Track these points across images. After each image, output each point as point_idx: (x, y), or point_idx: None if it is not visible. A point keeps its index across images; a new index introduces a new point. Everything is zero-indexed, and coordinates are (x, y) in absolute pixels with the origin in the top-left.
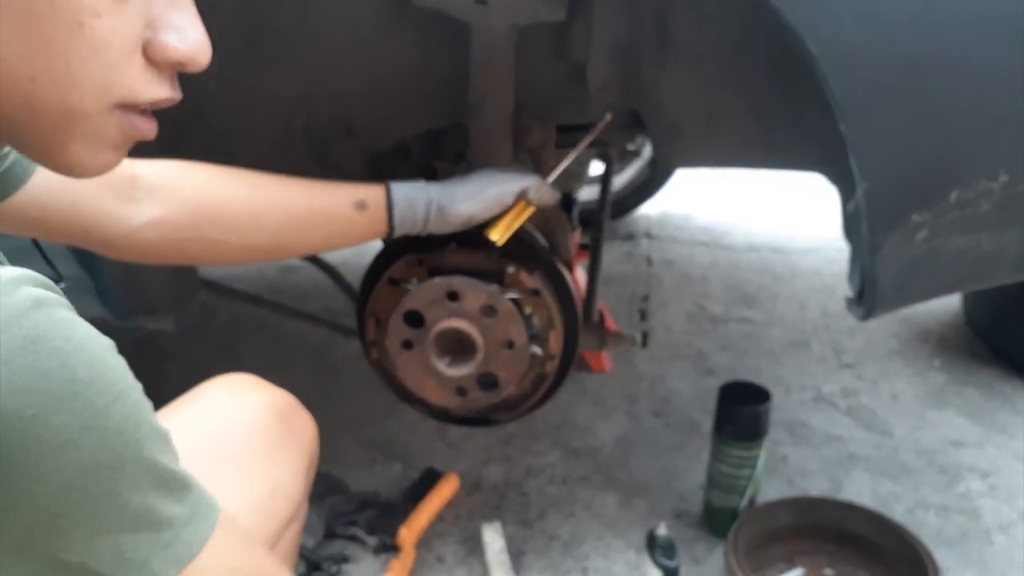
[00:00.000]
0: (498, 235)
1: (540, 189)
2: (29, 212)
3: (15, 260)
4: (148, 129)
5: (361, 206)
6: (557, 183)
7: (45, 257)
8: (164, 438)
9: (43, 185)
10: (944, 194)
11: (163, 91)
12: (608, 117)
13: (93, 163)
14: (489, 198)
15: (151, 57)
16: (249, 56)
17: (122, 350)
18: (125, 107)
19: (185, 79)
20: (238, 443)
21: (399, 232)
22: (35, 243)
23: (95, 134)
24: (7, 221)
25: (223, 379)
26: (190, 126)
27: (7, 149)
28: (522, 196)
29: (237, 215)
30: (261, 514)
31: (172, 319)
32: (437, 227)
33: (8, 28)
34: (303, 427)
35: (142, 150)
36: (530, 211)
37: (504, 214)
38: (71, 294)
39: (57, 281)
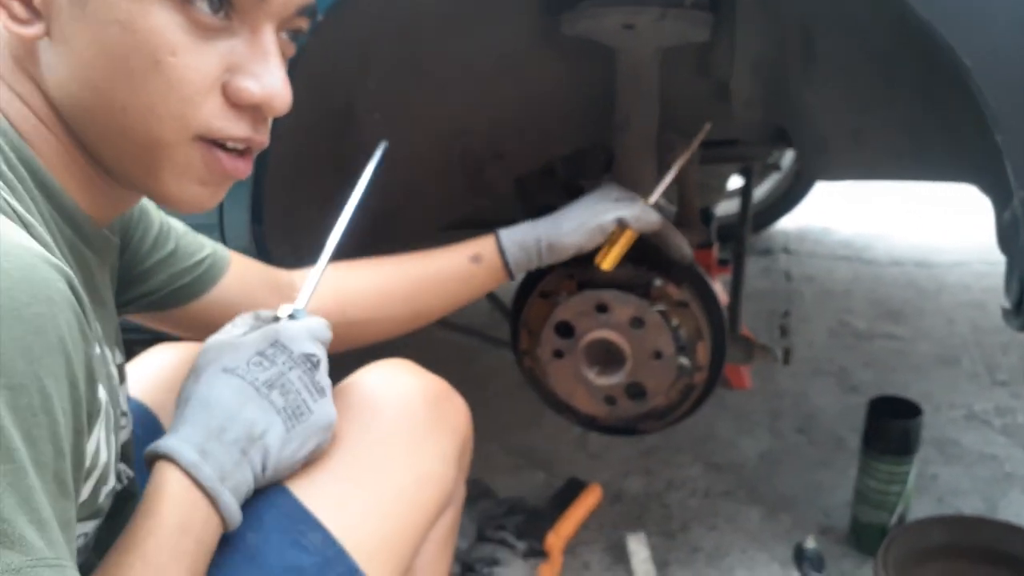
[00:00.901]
0: (608, 264)
1: (639, 215)
2: (213, 311)
3: None
4: (236, 168)
5: (476, 259)
6: (668, 198)
7: None
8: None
9: (228, 287)
10: None
11: (240, 130)
12: (707, 126)
13: (183, 195)
14: (591, 228)
15: (229, 97)
16: (411, 87)
17: None
18: (205, 141)
19: (353, 111)
20: (385, 431)
21: (517, 273)
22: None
23: (181, 166)
24: (190, 319)
25: (377, 364)
26: (354, 153)
27: (207, 252)
28: (623, 223)
29: (370, 295)
30: (407, 502)
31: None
32: (550, 260)
33: (104, 62)
34: (455, 412)
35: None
36: (635, 235)
37: (612, 241)
38: None
39: None
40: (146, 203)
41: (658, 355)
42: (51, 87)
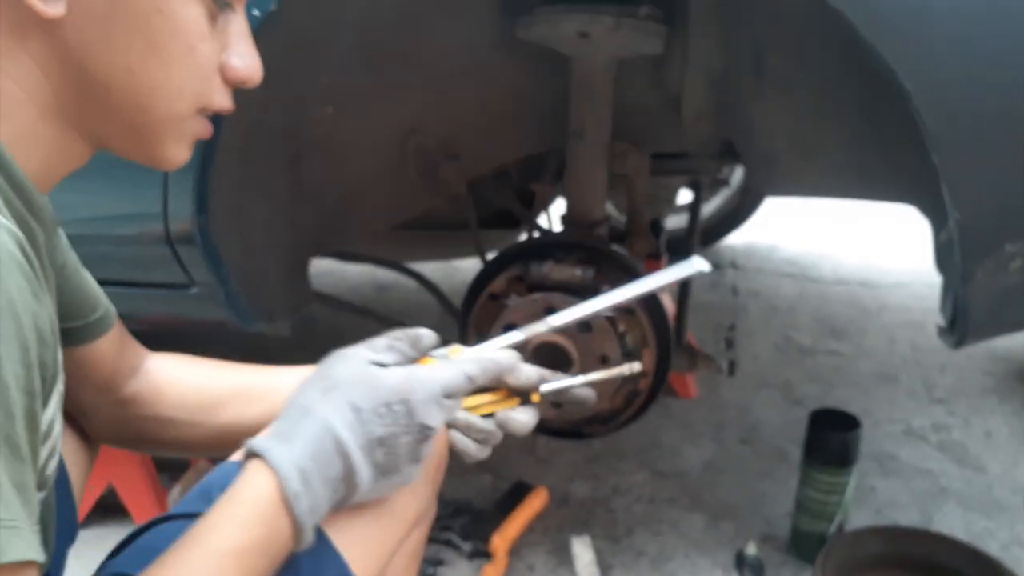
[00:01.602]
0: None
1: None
2: (85, 364)
3: (153, 265)
4: (209, 130)
5: None
6: (618, 208)
7: (180, 262)
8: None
9: (107, 344)
10: None
11: (228, 101)
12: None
13: (176, 158)
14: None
15: (223, 75)
16: (366, 84)
17: (233, 357)
18: (201, 112)
19: (306, 105)
20: None
21: None
22: (172, 247)
23: (183, 134)
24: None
25: None
26: (309, 149)
27: (103, 305)
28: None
29: (186, 393)
30: (388, 512)
31: (288, 325)
32: None
33: (142, 46)
34: None
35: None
36: None
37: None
38: (202, 299)
39: (189, 286)
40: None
41: (604, 360)
42: (60, 64)
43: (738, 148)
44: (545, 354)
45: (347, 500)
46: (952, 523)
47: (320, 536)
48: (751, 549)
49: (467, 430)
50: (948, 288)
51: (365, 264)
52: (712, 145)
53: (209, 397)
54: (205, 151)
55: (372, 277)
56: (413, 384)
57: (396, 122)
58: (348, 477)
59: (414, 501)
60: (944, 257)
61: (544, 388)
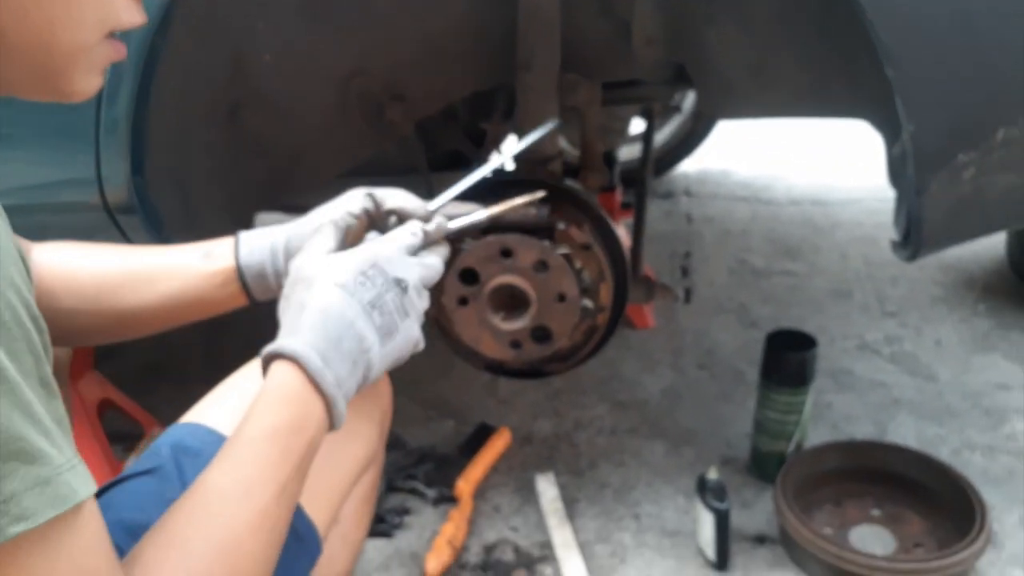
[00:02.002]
0: None
1: (393, 192)
2: None
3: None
4: (121, 52)
5: (207, 255)
6: (571, 142)
7: (117, 225)
8: (35, 375)
9: None
10: (990, 133)
11: (139, 16)
12: (539, 193)
13: (88, 88)
14: (339, 213)
15: None
16: (305, 27)
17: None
18: (110, 35)
19: (242, 54)
20: None
21: (252, 278)
22: (108, 212)
23: (92, 63)
24: None
25: None
26: (247, 99)
27: None
28: (375, 199)
29: (83, 281)
30: (338, 457)
31: None
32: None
33: None
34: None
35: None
36: None
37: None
38: None
39: None
40: None
41: (562, 298)
42: None
43: (690, 72)
44: (504, 295)
45: (368, 372)
46: (905, 432)
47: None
48: (712, 473)
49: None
50: (902, 201)
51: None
52: (664, 71)
53: (105, 282)
54: (137, 107)
55: None
56: (374, 250)
57: (338, 65)
58: (360, 345)
59: (361, 445)
60: (897, 170)
61: (452, 225)
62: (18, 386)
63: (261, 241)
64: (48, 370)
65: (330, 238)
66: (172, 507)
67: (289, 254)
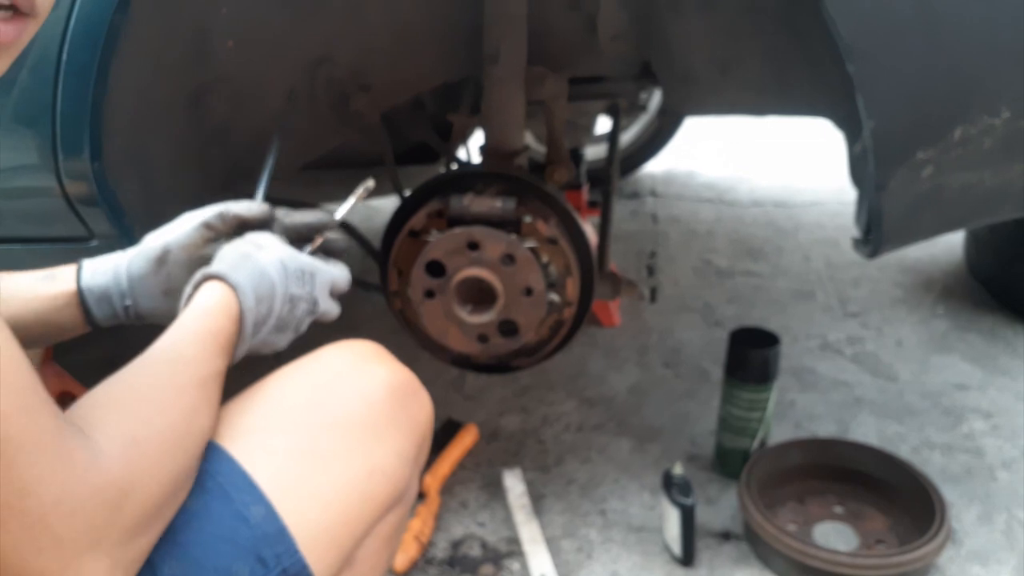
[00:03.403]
0: None
1: (249, 206)
2: None
3: (48, 218)
4: (10, 35)
5: (50, 277)
6: (537, 138)
7: (76, 214)
8: None
9: None
10: (948, 131)
11: None
12: (369, 182)
13: None
14: (192, 226)
15: None
16: (268, 12)
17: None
18: None
19: (206, 39)
20: (343, 417)
21: (94, 301)
22: (67, 199)
23: None
24: None
25: (348, 345)
26: (211, 86)
27: None
28: (225, 216)
29: None
30: (356, 494)
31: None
32: (144, 272)
33: None
34: (419, 408)
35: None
36: None
37: None
38: (103, 251)
39: (88, 239)
40: None
41: (529, 292)
42: None
43: (656, 68)
44: (471, 288)
45: (248, 340)
46: (867, 431)
47: (268, 510)
48: (677, 469)
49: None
50: (863, 199)
51: (276, 207)
52: (630, 67)
53: None
54: (96, 91)
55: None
56: (318, 267)
57: (303, 52)
58: (265, 317)
59: (385, 484)
60: (859, 168)
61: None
62: None
63: (104, 265)
64: None
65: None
66: (112, 376)
67: (131, 277)
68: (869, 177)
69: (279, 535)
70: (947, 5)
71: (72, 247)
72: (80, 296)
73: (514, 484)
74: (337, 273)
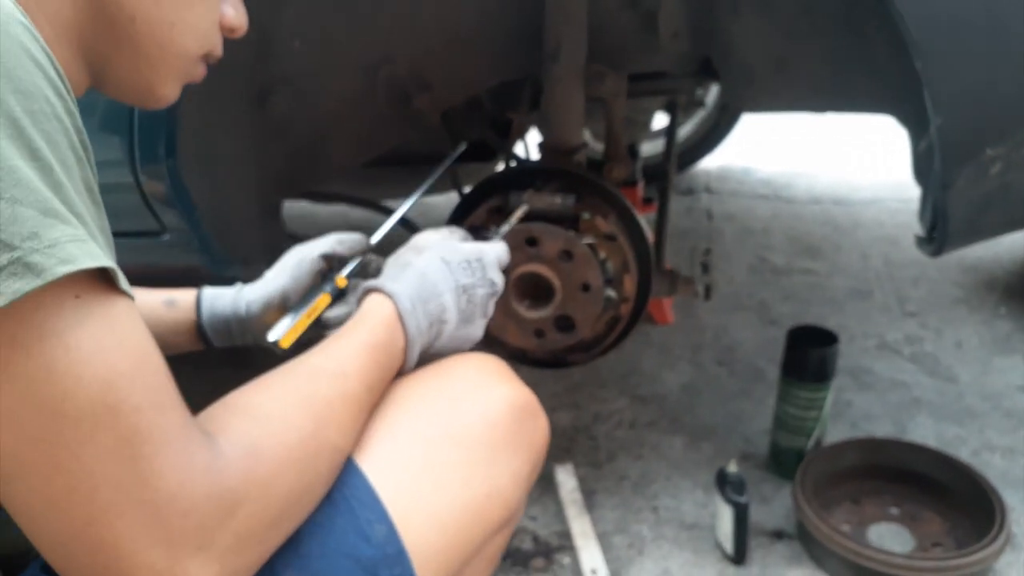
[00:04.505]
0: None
1: (353, 242)
2: None
3: (123, 213)
4: (203, 74)
5: (170, 303)
6: (595, 135)
7: (151, 209)
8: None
9: None
10: (1019, 127)
11: (222, 49)
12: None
13: (171, 96)
14: (293, 266)
15: (221, 22)
16: (331, 15)
17: None
18: (204, 57)
19: (271, 40)
20: (466, 435)
21: (213, 328)
22: (142, 195)
23: (184, 74)
24: None
25: (472, 360)
26: (277, 86)
27: None
28: (329, 258)
29: None
30: (472, 515)
31: (263, 268)
32: (257, 311)
33: None
34: (537, 430)
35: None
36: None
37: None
38: (174, 245)
39: (161, 232)
40: None
41: (586, 287)
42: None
43: (716, 65)
44: (527, 283)
45: (437, 339)
46: (925, 433)
47: (390, 530)
48: (732, 467)
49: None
50: (927, 197)
51: (338, 204)
52: (689, 63)
53: None
54: None
55: (344, 218)
56: (483, 249)
57: (365, 53)
58: (441, 314)
59: (499, 505)
60: (924, 166)
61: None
62: (50, 168)
63: (223, 300)
64: (95, 183)
65: (456, 235)
66: (255, 381)
67: (251, 317)
68: (935, 175)
69: (398, 557)
70: (1015, 2)
71: (143, 241)
72: (199, 327)
73: (566, 479)
74: (499, 248)
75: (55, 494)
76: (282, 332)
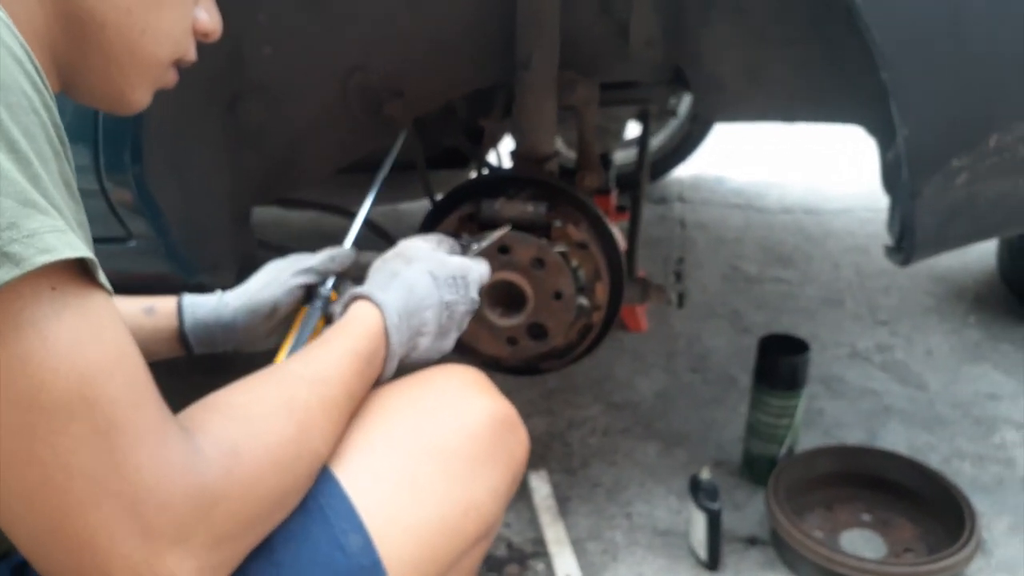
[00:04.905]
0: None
1: (336, 255)
2: None
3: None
4: (175, 80)
5: (150, 311)
6: (568, 143)
7: (116, 215)
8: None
9: None
10: (983, 138)
11: (195, 54)
12: (506, 229)
13: (142, 102)
14: (285, 280)
15: (194, 27)
16: (304, 21)
17: None
18: (175, 62)
19: (242, 46)
20: (445, 447)
21: (196, 336)
22: (107, 201)
23: (155, 80)
24: None
25: (452, 371)
26: (248, 92)
27: None
28: (316, 271)
29: None
30: (449, 528)
31: (233, 275)
32: (244, 321)
33: None
34: (517, 445)
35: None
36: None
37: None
38: (142, 252)
39: (127, 239)
40: None
41: (558, 295)
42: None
43: (687, 74)
44: (500, 292)
45: (413, 350)
46: (896, 439)
47: (365, 541)
48: (705, 473)
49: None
50: (895, 206)
51: (309, 211)
52: (662, 73)
53: None
54: None
55: (317, 226)
56: (469, 266)
57: (338, 59)
58: (421, 327)
59: (475, 520)
60: (892, 176)
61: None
62: (28, 160)
63: (204, 307)
64: (73, 178)
65: (444, 246)
66: (238, 383)
67: (237, 326)
68: (903, 185)
69: (373, 568)
70: (981, 12)
71: (110, 247)
72: (182, 334)
73: (540, 486)
74: (483, 269)
75: (30, 487)
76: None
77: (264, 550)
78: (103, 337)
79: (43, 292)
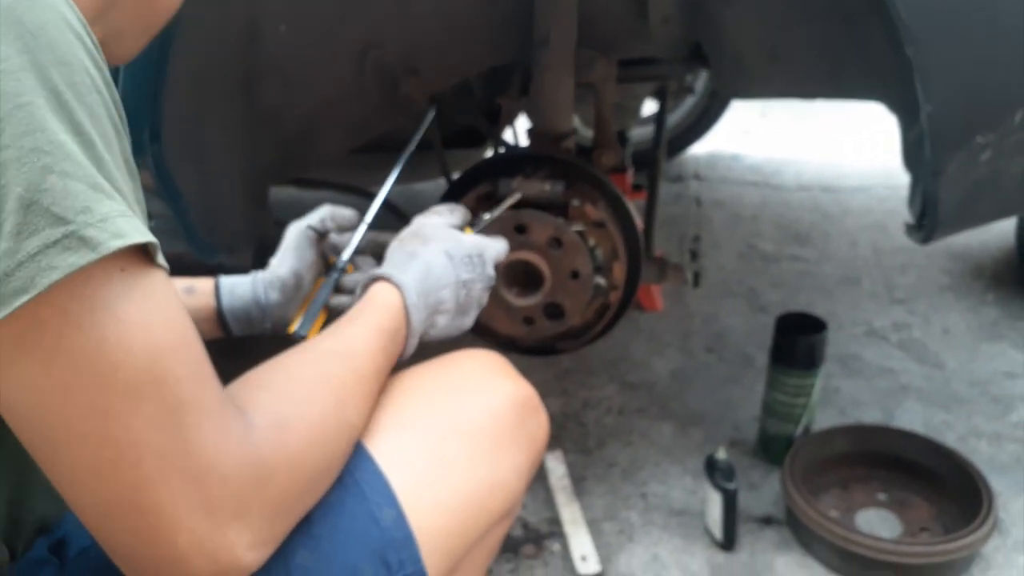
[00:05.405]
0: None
1: (333, 212)
2: None
3: None
4: None
5: (190, 290)
6: (584, 121)
7: None
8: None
9: None
10: (1009, 115)
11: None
12: (517, 195)
13: (134, 53)
14: (294, 245)
15: None
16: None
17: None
18: None
19: (258, 24)
20: (472, 427)
21: (233, 315)
22: None
23: (153, 33)
24: None
25: (474, 355)
26: (264, 71)
27: None
28: (314, 228)
29: None
30: (476, 505)
31: (249, 255)
32: (275, 297)
33: None
34: (538, 426)
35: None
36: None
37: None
38: (158, 232)
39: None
40: None
41: (575, 275)
42: None
43: (706, 51)
44: (517, 271)
45: (432, 328)
46: (913, 419)
47: (399, 515)
48: (721, 453)
49: None
50: (917, 184)
51: (325, 191)
52: (679, 49)
53: None
54: (156, 76)
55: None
56: (485, 244)
57: (354, 37)
58: (439, 306)
59: (501, 497)
60: (914, 153)
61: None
62: (91, 142)
63: (242, 287)
64: (129, 150)
65: (457, 215)
66: (273, 361)
67: (270, 304)
68: (925, 162)
69: (406, 541)
70: None
71: None
72: (220, 315)
73: (555, 466)
74: (500, 246)
75: (103, 463)
76: (308, 326)
77: (302, 522)
78: (168, 316)
79: (114, 274)
